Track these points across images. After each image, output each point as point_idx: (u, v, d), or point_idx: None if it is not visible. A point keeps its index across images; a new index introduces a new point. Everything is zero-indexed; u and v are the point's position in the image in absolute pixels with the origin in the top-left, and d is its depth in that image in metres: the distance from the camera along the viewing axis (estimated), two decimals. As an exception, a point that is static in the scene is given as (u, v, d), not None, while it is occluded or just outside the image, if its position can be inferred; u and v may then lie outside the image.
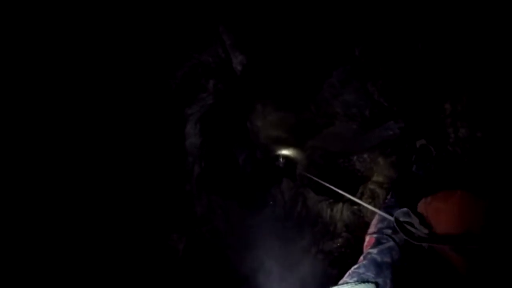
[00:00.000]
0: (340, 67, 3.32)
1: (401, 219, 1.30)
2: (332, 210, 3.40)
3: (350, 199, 3.03)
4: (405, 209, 1.31)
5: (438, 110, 2.42)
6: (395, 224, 1.30)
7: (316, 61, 3.43)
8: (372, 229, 1.48)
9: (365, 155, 3.53)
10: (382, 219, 1.47)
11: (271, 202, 4.08)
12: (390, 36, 2.72)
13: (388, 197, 1.67)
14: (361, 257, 1.36)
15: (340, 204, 3.37)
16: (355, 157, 3.62)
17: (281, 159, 4.10)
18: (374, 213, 2.23)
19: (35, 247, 2.91)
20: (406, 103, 2.81)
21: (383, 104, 2.99)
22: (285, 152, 4.04)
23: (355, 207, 3.22)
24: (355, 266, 1.31)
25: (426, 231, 1.24)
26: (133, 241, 3.43)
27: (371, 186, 3.17)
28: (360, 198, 3.15)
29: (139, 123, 3.52)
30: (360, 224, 3.18)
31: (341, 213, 3.32)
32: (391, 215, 1.39)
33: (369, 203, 2.94)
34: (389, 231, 1.38)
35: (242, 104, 3.88)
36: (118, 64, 3.32)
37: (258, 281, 3.37)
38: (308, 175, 3.60)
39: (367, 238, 1.43)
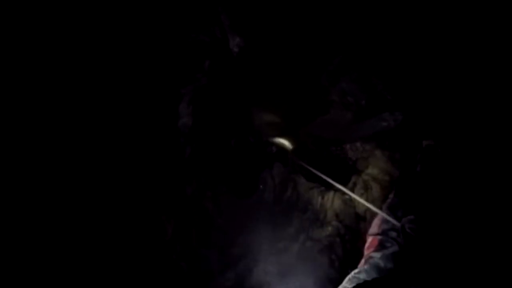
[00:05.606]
0: (340, 55, 3.26)
1: (407, 226, 1.25)
2: (323, 198, 3.41)
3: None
4: (412, 216, 1.26)
5: (446, 112, 2.41)
6: (402, 234, 1.24)
7: (317, 48, 3.36)
8: (375, 229, 1.41)
9: (358, 144, 3.53)
10: (386, 220, 1.41)
11: (261, 186, 4.06)
12: (399, 27, 2.67)
13: (391, 196, 1.64)
14: (363, 260, 1.29)
15: (332, 193, 3.38)
16: (348, 146, 3.62)
17: (273, 144, 4.05)
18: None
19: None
20: (408, 98, 2.79)
21: (383, 96, 2.96)
22: (278, 137, 4.00)
23: (347, 196, 3.23)
24: (356, 271, 1.25)
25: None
26: (120, 222, 3.39)
27: (365, 177, 3.17)
28: (352, 189, 3.16)
29: (132, 100, 3.42)
30: (350, 214, 3.20)
31: (332, 201, 3.34)
32: (395, 215, 1.36)
33: (361, 195, 2.96)
34: (393, 234, 1.30)
35: (237, 87, 3.79)
36: (115, 42, 3.21)
37: (246, 265, 3.40)
38: (300, 162, 3.58)
39: (370, 239, 1.37)
